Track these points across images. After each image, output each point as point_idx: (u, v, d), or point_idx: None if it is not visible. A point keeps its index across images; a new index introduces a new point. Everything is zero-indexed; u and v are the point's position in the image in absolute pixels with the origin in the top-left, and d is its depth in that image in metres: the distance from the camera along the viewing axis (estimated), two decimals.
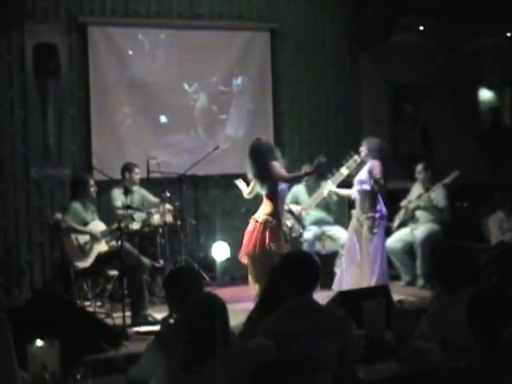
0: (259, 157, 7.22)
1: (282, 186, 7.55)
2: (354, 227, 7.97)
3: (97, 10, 9.58)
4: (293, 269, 4.01)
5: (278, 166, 7.27)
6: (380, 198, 7.88)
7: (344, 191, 8.37)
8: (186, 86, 10.05)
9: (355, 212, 8.00)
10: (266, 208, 7.25)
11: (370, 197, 7.79)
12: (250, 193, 7.56)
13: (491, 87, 12.13)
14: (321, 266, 4.05)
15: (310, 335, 3.77)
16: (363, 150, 7.89)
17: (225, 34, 10.25)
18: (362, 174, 7.83)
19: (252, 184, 7.46)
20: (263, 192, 7.30)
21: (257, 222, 7.20)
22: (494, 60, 11.91)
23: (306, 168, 8.36)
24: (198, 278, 4.52)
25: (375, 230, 7.78)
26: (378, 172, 7.67)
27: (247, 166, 7.33)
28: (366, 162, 7.86)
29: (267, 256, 7.04)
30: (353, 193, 8.04)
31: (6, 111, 9.16)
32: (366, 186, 7.76)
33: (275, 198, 7.29)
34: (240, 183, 7.63)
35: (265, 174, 7.21)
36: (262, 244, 7.12)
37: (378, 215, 7.79)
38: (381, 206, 7.86)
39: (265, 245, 7.10)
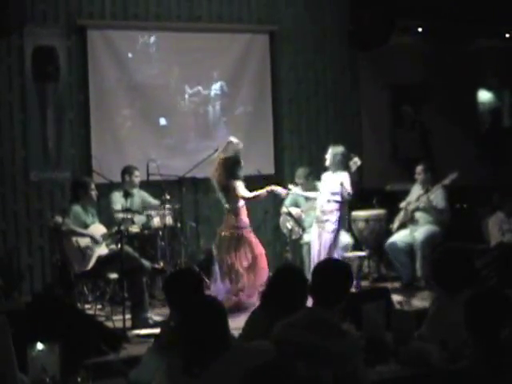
0: (225, 171, 7.86)
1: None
2: (316, 232, 8.26)
3: (96, 13, 9.58)
4: (323, 279, 3.98)
5: (240, 185, 7.83)
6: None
7: (310, 194, 8.67)
8: (185, 89, 10.04)
9: (317, 216, 8.28)
10: (229, 221, 7.95)
11: (338, 205, 8.15)
12: None
13: (490, 88, 12.14)
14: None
15: (314, 353, 3.70)
16: (327, 158, 8.25)
17: (224, 37, 10.25)
18: (334, 186, 8.12)
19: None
20: (226, 205, 7.96)
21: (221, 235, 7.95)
22: (493, 61, 11.92)
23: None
24: (199, 280, 4.53)
25: (333, 228, 8.10)
26: (348, 185, 8.05)
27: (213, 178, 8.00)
28: (332, 170, 8.21)
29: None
30: (320, 200, 8.26)
31: (6, 114, 9.15)
32: (338, 197, 8.11)
33: (237, 211, 7.88)
34: None
35: (228, 189, 7.87)
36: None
37: (337, 218, 8.13)
38: (342, 212, 8.23)
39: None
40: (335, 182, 8.10)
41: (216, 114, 10.23)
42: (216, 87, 10.19)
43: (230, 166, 7.87)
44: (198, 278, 4.60)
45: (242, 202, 7.93)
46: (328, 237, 8.12)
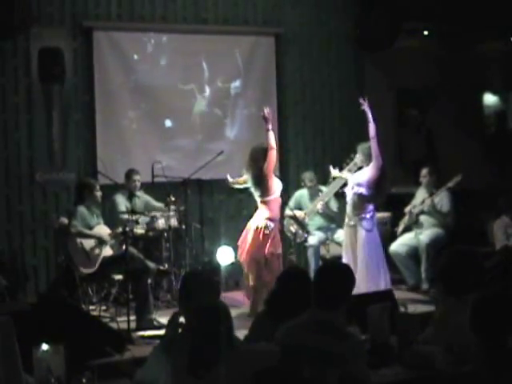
0: (257, 161, 7.85)
1: (277, 192, 7.95)
2: (348, 234, 7.89)
3: (102, 15, 9.59)
4: (325, 281, 3.98)
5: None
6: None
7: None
8: (191, 91, 10.06)
9: (347, 216, 7.91)
10: (262, 213, 7.83)
11: (365, 199, 7.78)
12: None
13: (496, 91, 12.13)
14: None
15: (317, 355, 3.70)
16: (358, 156, 7.96)
17: (230, 39, 10.26)
18: (360, 177, 7.80)
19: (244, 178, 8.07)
20: (258, 198, 7.91)
21: (256, 227, 7.79)
22: (498, 64, 11.92)
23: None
24: (212, 284, 4.50)
25: (371, 228, 7.76)
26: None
27: (245, 168, 8.02)
28: (365, 165, 7.87)
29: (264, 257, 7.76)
30: (347, 195, 7.94)
31: (12, 115, 9.17)
32: (363, 190, 7.74)
33: (270, 201, 7.84)
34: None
35: (260, 180, 7.80)
36: (259, 247, 7.74)
37: (371, 214, 7.79)
38: (371, 206, 7.84)
39: (263, 249, 7.73)
40: (362, 174, 7.79)
41: (221, 115, 10.23)
42: (221, 89, 10.19)
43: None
44: (211, 281, 4.57)
45: (276, 193, 7.99)
46: (365, 237, 7.71)
